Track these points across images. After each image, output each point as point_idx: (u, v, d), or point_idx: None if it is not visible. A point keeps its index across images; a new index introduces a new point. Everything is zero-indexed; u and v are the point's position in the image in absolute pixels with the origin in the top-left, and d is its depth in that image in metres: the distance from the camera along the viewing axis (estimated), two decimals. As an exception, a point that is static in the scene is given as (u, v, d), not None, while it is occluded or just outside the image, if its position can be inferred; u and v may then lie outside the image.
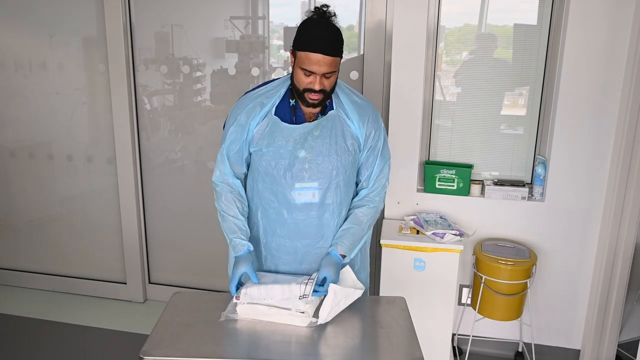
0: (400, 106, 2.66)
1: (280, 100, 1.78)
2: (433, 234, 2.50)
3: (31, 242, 3.56)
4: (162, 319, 1.62)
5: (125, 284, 3.44)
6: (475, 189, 2.70)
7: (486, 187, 2.69)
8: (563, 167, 2.58)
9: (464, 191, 2.70)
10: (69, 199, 3.44)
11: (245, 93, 1.85)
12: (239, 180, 1.85)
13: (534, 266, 2.55)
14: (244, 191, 1.86)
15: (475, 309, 2.62)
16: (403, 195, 2.76)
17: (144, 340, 1.49)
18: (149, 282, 3.45)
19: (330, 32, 1.64)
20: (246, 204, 1.85)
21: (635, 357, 2.39)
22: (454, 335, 2.88)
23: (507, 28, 2.67)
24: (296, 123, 1.76)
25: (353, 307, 1.68)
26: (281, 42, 3.02)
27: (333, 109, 1.78)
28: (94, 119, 3.26)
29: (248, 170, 1.87)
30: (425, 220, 2.61)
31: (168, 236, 3.37)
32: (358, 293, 1.70)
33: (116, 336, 3.04)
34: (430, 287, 2.51)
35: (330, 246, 1.79)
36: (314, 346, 1.52)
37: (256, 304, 1.61)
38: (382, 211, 2.69)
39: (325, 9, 1.66)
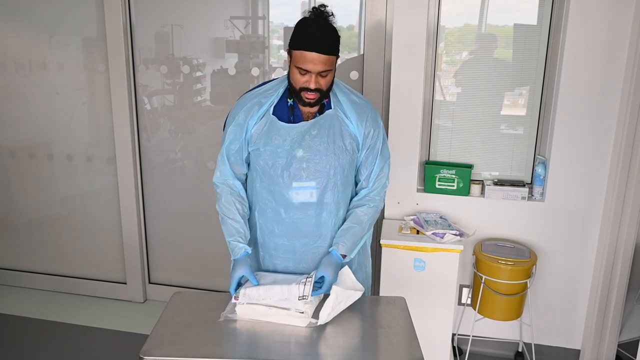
0: (400, 106, 2.66)
1: (279, 100, 1.78)
2: (433, 234, 2.50)
3: (31, 242, 3.56)
4: (162, 319, 1.62)
5: (125, 284, 3.44)
6: (475, 189, 2.70)
7: (486, 187, 2.69)
8: (563, 167, 2.58)
9: (464, 191, 2.70)
10: (69, 199, 3.44)
11: (245, 93, 1.86)
12: (239, 182, 1.85)
13: (534, 266, 2.55)
14: (244, 192, 1.86)
15: (475, 309, 2.62)
16: (403, 195, 2.76)
17: (144, 340, 1.49)
18: (149, 282, 3.45)
19: (326, 31, 1.64)
20: (247, 205, 1.85)
21: (635, 357, 2.39)
22: (454, 335, 2.88)
23: (507, 28, 2.67)
24: (294, 122, 1.76)
25: (353, 307, 1.68)
26: (281, 42, 3.02)
27: (331, 108, 1.78)
28: (94, 119, 3.26)
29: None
30: (425, 220, 2.61)
31: (168, 236, 3.37)
32: (358, 294, 1.70)
33: (116, 336, 3.04)
34: (430, 287, 2.51)
35: (331, 246, 1.78)
36: (313, 346, 1.52)
37: (255, 304, 1.61)
38: (382, 211, 2.70)
39: (322, 8, 1.66)
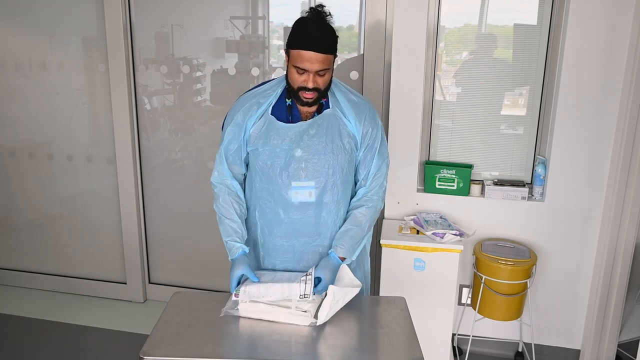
0: (400, 106, 2.66)
1: (277, 100, 1.78)
2: (433, 234, 2.50)
3: (31, 242, 3.56)
4: (162, 319, 1.62)
5: (125, 284, 3.44)
6: (475, 189, 2.70)
7: (486, 187, 2.69)
8: (563, 167, 2.58)
9: (464, 191, 2.70)
10: (69, 199, 3.44)
11: (243, 93, 1.85)
12: (237, 182, 1.85)
13: (534, 266, 2.55)
14: (242, 193, 1.86)
15: (475, 309, 2.62)
16: (403, 195, 2.76)
17: (144, 340, 1.49)
18: (149, 282, 3.45)
19: (323, 30, 1.64)
20: (244, 205, 1.85)
21: (635, 357, 2.39)
22: (454, 335, 2.88)
23: (507, 28, 2.67)
24: (292, 122, 1.76)
25: (353, 307, 1.68)
26: (281, 42, 3.02)
27: (329, 108, 1.78)
28: (94, 119, 3.26)
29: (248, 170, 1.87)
30: (425, 220, 2.61)
31: (168, 236, 3.37)
32: (355, 291, 1.70)
33: (116, 336, 3.04)
34: (430, 287, 2.51)
35: (330, 248, 1.78)
36: (313, 346, 1.52)
37: (256, 301, 1.61)
38: (382, 211, 2.69)
39: (320, 8, 1.66)
